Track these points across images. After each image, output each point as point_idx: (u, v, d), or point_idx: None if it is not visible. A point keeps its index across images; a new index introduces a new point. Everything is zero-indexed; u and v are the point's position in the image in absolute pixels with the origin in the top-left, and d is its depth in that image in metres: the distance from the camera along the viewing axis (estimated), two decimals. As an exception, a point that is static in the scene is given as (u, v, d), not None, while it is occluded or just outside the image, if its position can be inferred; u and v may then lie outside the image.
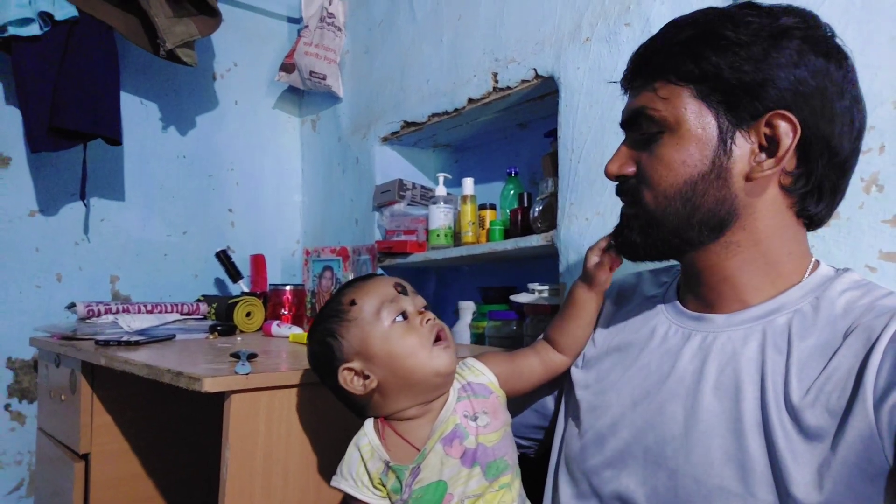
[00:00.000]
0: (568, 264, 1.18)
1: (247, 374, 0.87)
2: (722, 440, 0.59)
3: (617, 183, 0.71)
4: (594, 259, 0.75)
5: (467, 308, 1.61)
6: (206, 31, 1.68)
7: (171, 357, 1.15)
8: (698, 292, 0.69)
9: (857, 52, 0.82)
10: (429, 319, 0.72)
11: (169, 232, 1.95)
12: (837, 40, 0.63)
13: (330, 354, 0.74)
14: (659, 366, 0.68)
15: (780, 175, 0.63)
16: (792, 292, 0.63)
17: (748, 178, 0.62)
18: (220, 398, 0.87)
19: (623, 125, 0.71)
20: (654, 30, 1.04)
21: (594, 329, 0.81)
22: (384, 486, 0.72)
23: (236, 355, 1.02)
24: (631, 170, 0.68)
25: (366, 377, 0.71)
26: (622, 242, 0.71)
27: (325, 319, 0.75)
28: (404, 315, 0.72)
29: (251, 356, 1.01)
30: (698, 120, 0.63)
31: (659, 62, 0.66)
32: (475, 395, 0.74)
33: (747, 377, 0.60)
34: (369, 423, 0.75)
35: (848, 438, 0.52)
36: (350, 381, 0.72)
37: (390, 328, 0.71)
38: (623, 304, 0.81)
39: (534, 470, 0.85)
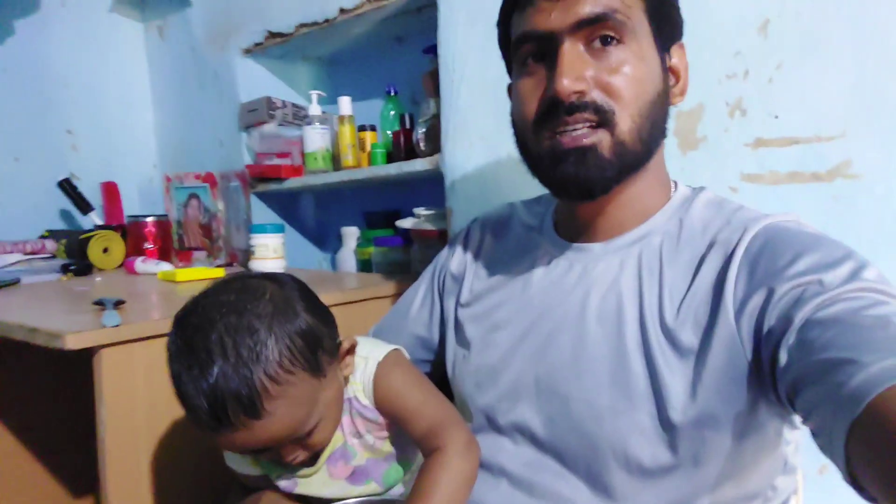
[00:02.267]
0: (454, 189, 1.17)
1: (116, 326, 0.80)
2: (608, 364, 0.62)
3: (563, 102, 0.58)
4: None
5: (351, 234, 1.58)
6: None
7: (19, 307, 1.02)
8: (577, 222, 0.70)
9: (727, -23, 0.84)
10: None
11: (-3, 159, 1.69)
12: None
13: None
14: (543, 298, 0.69)
15: None
16: (660, 215, 0.66)
17: (670, 104, 0.65)
18: (86, 353, 0.79)
19: (567, 29, 0.59)
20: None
21: (476, 262, 0.80)
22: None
23: (100, 303, 0.92)
24: (585, 86, 0.59)
25: None
26: (592, 178, 0.60)
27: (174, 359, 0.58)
28: None
29: (118, 303, 0.92)
30: (649, 37, 0.61)
31: None
32: (361, 416, 0.67)
33: (627, 302, 0.63)
34: None
35: (715, 348, 0.57)
36: None
37: None
38: (500, 236, 0.80)
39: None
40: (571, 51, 0.59)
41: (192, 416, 0.56)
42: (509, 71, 0.71)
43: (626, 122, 0.59)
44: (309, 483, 0.67)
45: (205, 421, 0.55)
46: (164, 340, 0.83)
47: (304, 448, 0.62)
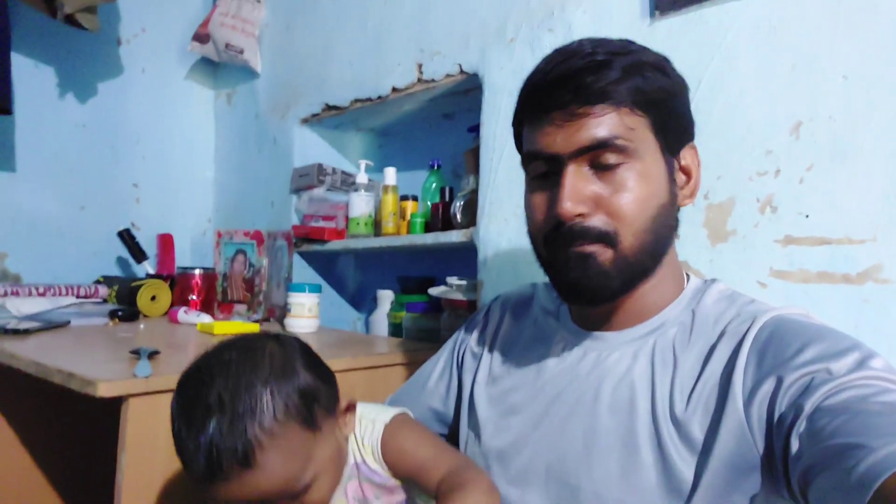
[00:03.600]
0: (486, 262, 1.19)
1: (147, 377, 0.83)
2: (619, 456, 0.62)
3: (565, 223, 0.61)
4: None
5: (386, 297, 1.61)
6: (111, -5, 1.55)
7: (63, 350, 1.07)
8: (592, 312, 0.71)
9: (758, 80, 0.87)
10: None
11: (65, 207, 1.81)
12: None
13: None
14: (557, 385, 0.70)
15: None
16: (673, 306, 0.67)
17: (679, 207, 0.67)
18: (116, 400, 0.82)
19: (571, 154, 0.61)
20: (578, 37, 1.06)
21: (494, 342, 0.81)
22: None
23: (136, 352, 0.97)
24: (587, 208, 0.62)
25: None
26: (594, 287, 0.63)
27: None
28: None
29: (152, 354, 0.96)
30: (654, 152, 0.63)
31: (621, 88, 0.60)
32: (368, 480, 0.67)
33: (640, 393, 0.63)
34: None
35: (723, 438, 0.56)
36: None
37: None
38: (520, 317, 0.81)
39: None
40: (574, 174, 0.62)
41: (188, 470, 0.58)
42: (521, 153, 0.73)
43: (629, 239, 0.62)
44: None
45: (200, 472, 0.56)
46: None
47: None
